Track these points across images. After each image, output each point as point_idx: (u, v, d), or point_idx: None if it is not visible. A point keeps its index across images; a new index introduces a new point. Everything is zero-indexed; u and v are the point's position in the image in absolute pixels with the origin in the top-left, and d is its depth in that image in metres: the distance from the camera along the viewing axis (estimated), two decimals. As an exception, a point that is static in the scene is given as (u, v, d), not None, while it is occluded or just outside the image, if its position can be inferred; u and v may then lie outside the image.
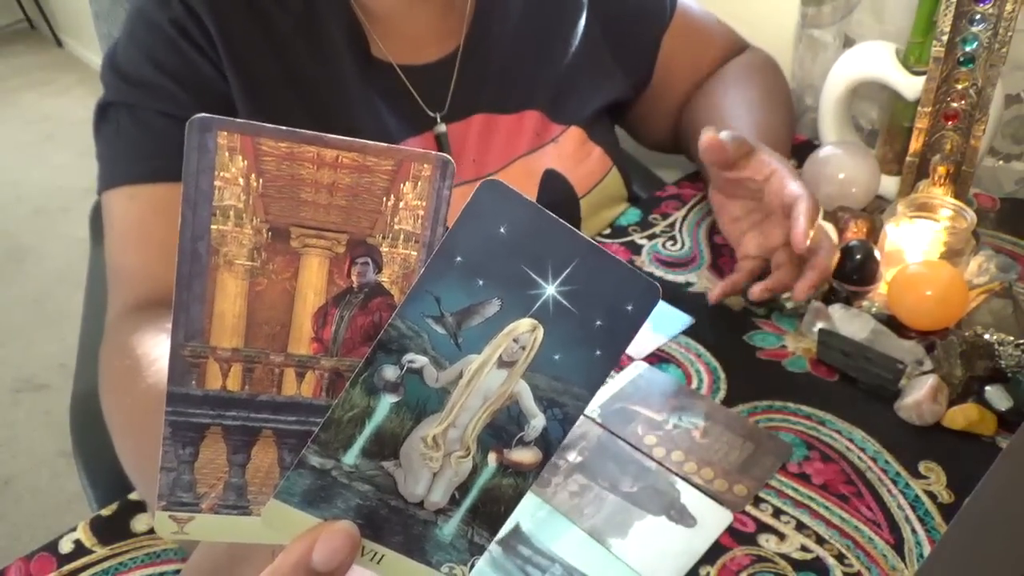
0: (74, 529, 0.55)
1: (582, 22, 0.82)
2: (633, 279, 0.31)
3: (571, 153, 0.82)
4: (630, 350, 0.67)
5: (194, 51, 0.66)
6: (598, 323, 0.31)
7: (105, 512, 0.56)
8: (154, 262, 0.64)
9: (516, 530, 0.53)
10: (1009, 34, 0.70)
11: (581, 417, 0.61)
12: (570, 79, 0.82)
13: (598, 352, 0.32)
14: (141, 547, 0.54)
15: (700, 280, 0.76)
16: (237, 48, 0.67)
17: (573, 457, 0.58)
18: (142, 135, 0.66)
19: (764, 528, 0.53)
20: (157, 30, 0.66)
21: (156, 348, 0.56)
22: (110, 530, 0.55)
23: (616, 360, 0.32)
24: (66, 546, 0.54)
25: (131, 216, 0.66)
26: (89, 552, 0.54)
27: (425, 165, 0.32)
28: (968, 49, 0.73)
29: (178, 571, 0.52)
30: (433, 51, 0.76)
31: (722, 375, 0.65)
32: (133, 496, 0.57)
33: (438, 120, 0.76)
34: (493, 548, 0.51)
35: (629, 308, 0.31)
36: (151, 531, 0.55)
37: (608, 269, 0.31)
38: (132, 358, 0.56)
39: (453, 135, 0.77)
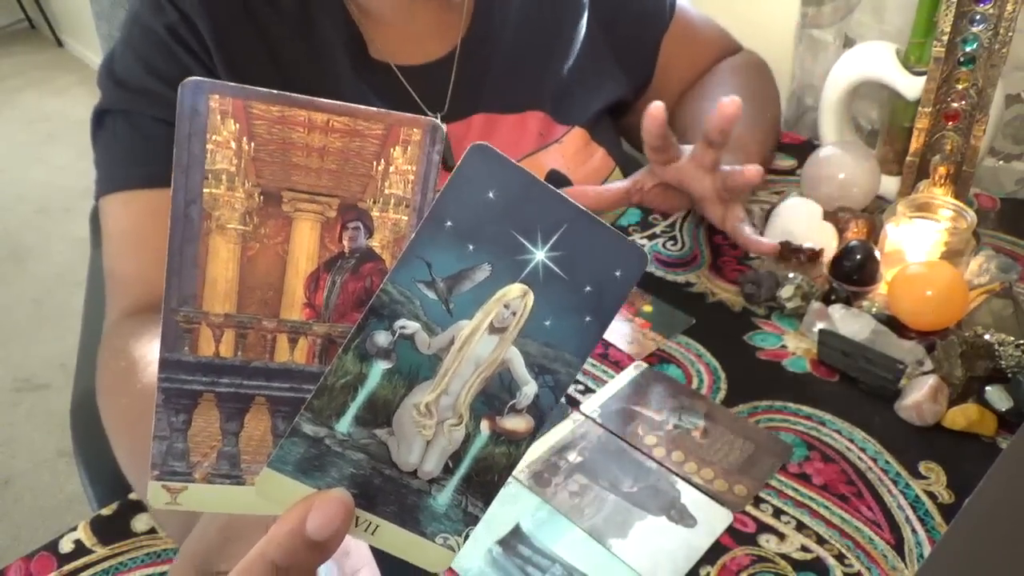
0: (74, 529, 0.55)
1: (583, 23, 0.82)
2: (621, 245, 0.31)
3: (574, 154, 0.82)
4: (630, 350, 0.68)
5: (189, 56, 0.66)
6: (587, 289, 0.31)
7: (105, 512, 0.56)
8: (150, 267, 0.64)
9: (516, 530, 0.53)
10: (1009, 34, 0.70)
11: (581, 417, 0.61)
12: (573, 80, 0.82)
13: (588, 318, 0.32)
14: (141, 547, 0.54)
15: (700, 280, 0.76)
16: (232, 53, 0.67)
17: (573, 457, 0.58)
18: (138, 141, 0.66)
19: (764, 528, 0.53)
20: (152, 36, 0.66)
21: (152, 351, 0.56)
22: (110, 530, 0.55)
23: (605, 327, 0.32)
24: (66, 546, 0.54)
25: (127, 221, 0.66)
26: (89, 552, 0.54)
27: (415, 130, 0.32)
28: (968, 49, 0.73)
29: (178, 571, 0.52)
30: (431, 51, 0.76)
31: (722, 375, 0.65)
32: (133, 496, 0.57)
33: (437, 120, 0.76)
34: (493, 548, 0.51)
35: (618, 274, 0.31)
36: (151, 531, 0.55)
37: (596, 235, 0.31)
38: (128, 360, 0.56)
39: (453, 135, 0.76)
